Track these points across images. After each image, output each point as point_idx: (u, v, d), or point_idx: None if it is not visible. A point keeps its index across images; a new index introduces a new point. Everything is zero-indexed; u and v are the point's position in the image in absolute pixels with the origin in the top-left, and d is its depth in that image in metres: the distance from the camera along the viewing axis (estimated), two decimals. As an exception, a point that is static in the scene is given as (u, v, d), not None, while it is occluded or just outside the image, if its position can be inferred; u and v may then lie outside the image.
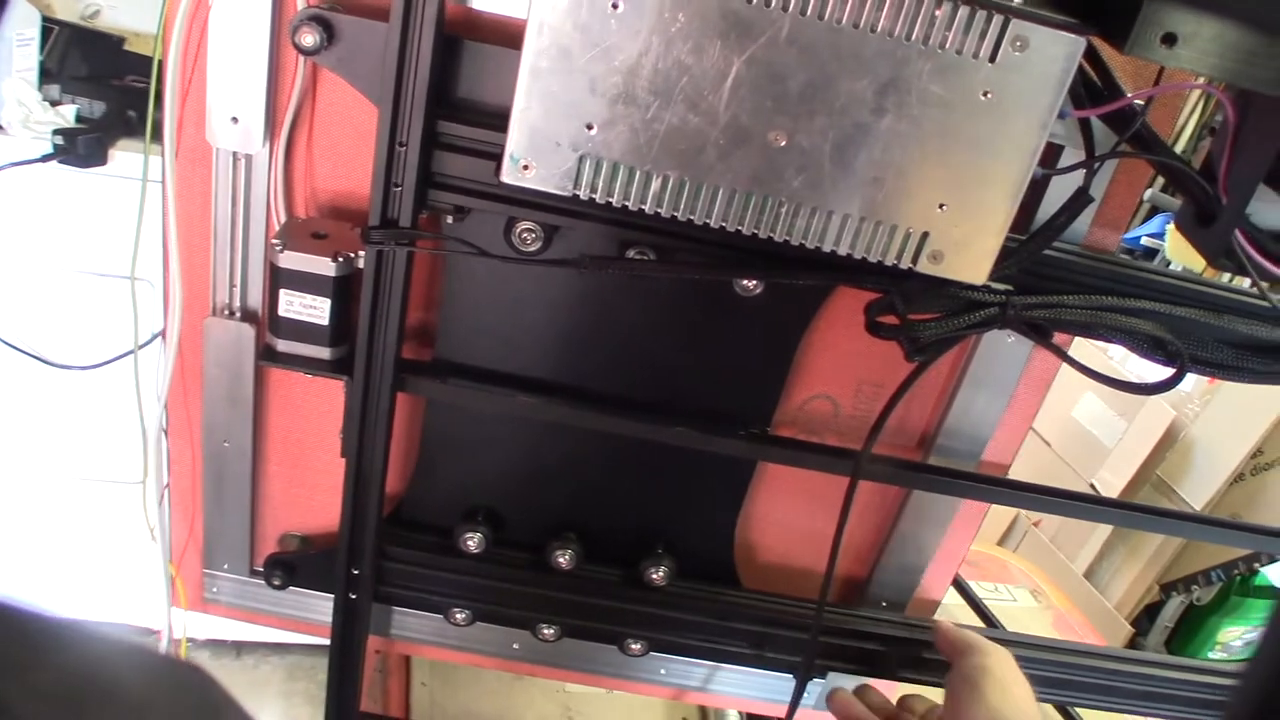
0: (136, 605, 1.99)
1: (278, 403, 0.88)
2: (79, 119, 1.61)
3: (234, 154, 0.78)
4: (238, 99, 0.76)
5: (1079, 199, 0.72)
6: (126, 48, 1.72)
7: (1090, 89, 0.69)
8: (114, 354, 1.72)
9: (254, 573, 0.95)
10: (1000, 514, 2.41)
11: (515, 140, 0.65)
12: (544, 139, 0.64)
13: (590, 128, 0.64)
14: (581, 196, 0.66)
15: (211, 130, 0.76)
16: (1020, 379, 0.87)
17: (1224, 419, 2.08)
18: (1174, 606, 2.19)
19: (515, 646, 0.97)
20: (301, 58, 0.74)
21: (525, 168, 0.65)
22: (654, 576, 0.89)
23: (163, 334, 0.85)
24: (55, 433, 1.80)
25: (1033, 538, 2.39)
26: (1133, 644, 2.23)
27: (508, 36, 0.73)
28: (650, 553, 0.91)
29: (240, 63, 0.74)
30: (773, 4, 0.61)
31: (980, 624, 1.31)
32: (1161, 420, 2.16)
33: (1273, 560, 2.05)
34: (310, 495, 0.92)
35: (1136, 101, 0.69)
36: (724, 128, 0.64)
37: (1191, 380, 2.10)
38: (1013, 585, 1.63)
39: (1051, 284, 0.79)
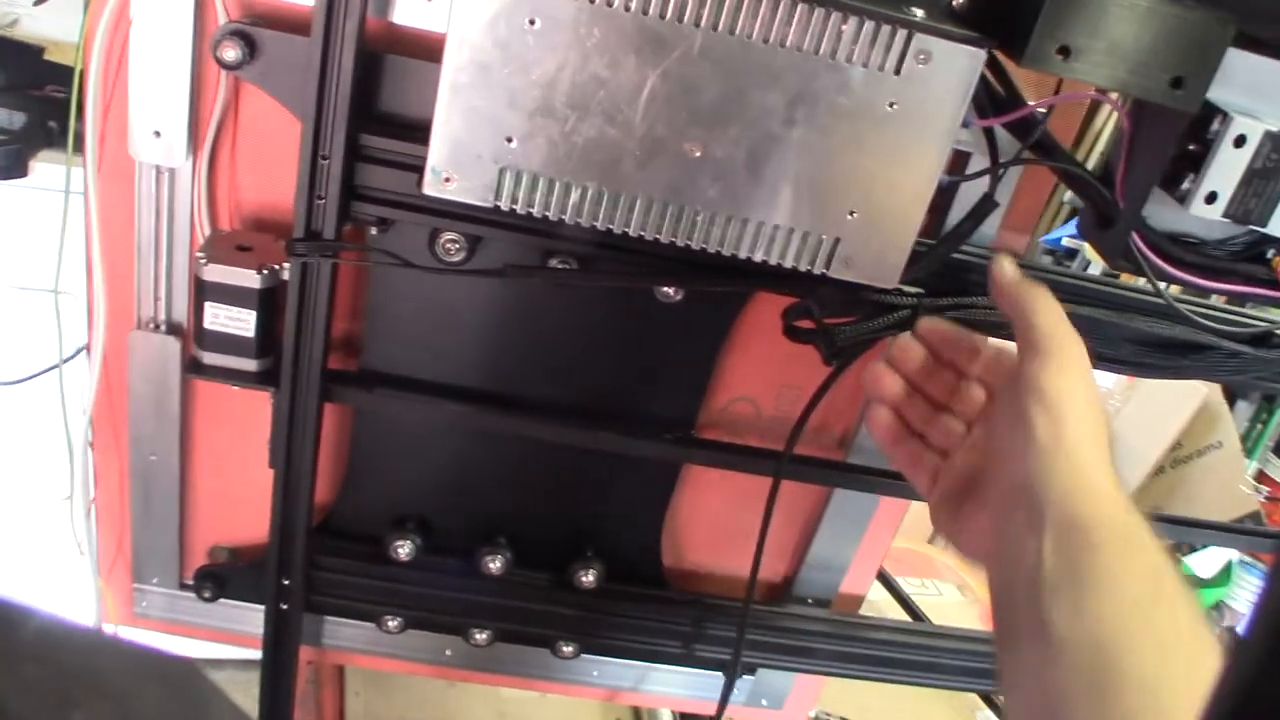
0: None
1: (204, 415, 0.88)
2: (-1, 130, 1.59)
3: (157, 167, 0.78)
4: (160, 113, 0.76)
5: (984, 204, 0.75)
6: (47, 57, 1.69)
7: (994, 98, 0.72)
8: (38, 369, 1.69)
9: (184, 586, 0.94)
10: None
11: (436, 153, 0.66)
12: (465, 152, 0.66)
13: (510, 140, 0.65)
14: (503, 208, 0.67)
15: (134, 144, 0.77)
16: (935, 379, 0.90)
17: (1144, 414, 2.14)
18: (1100, 598, 2.25)
19: (448, 653, 0.98)
20: (224, 71, 0.75)
21: (447, 180, 0.67)
22: (584, 580, 0.91)
23: (88, 348, 0.85)
24: (-21, 449, 1.77)
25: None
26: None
27: (428, 51, 0.74)
28: (580, 556, 0.92)
29: (162, 76, 0.75)
30: (685, 19, 0.62)
31: (907, 619, 1.35)
32: (1085, 416, 2.21)
33: (1194, 550, 2.11)
34: (239, 507, 0.92)
35: (1038, 110, 0.72)
36: (640, 139, 0.65)
37: (1113, 377, 2.15)
38: (940, 580, 1.67)
39: (965, 286, 0.81)
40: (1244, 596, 2.25)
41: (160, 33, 0.73)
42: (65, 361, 1.63)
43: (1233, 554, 2.17)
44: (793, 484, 0.92)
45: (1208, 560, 2.18)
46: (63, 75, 1.70)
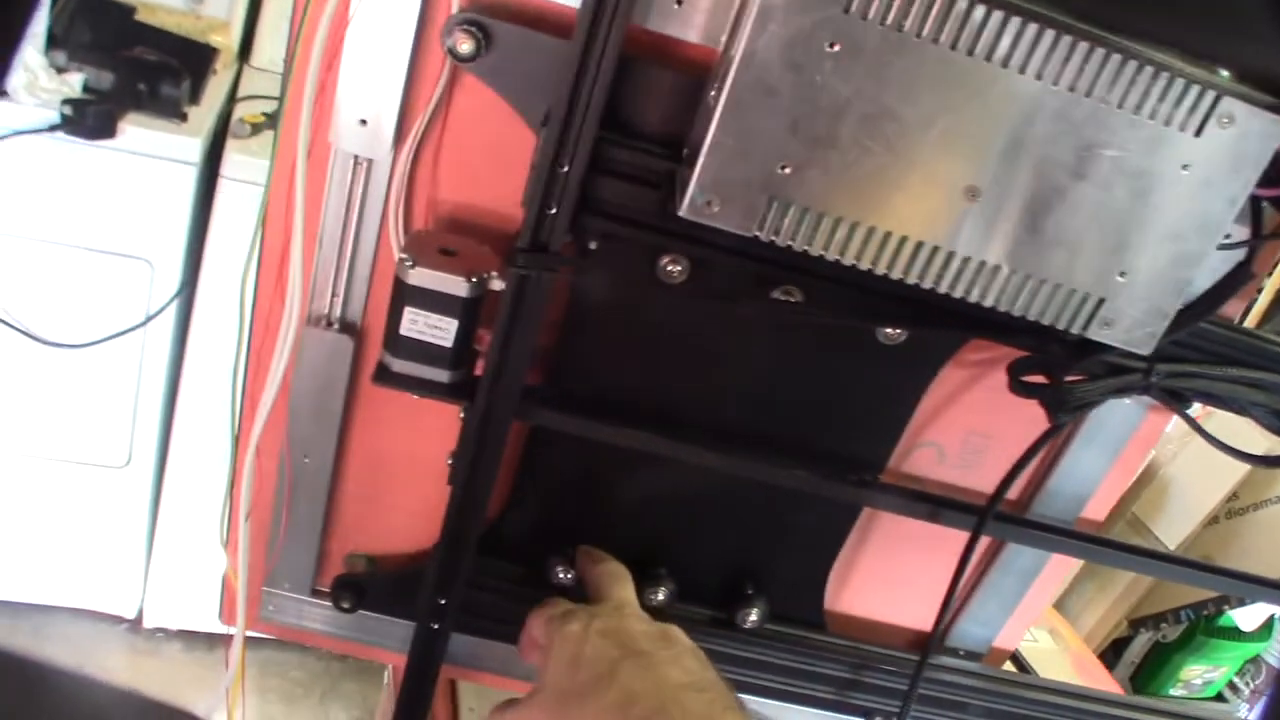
0: (110, 592, 1.91)
1: (364, 420, 0.84)
2: (86, 89, 1.53)
3: (355, 157, 0.74)
4: (370, 101, 0.71)
5: (1239, 275, 0.72)
6: (137, 18, 1.64)
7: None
8: (103, 333, 1.64)
9: (315, 592, 0.90)
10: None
11: (703, 175, 0.62)
12: (734, 176, 0.62)
13: (784, 169, 0.61)
14: (762, 239, 0.63)
15: (337, 132, 0.72)
16: (1129, 440, 0.87)
17: (1201, 461, 2.12)
18: (1141, 643, 2.23)
19: (582, 679, 0.94)
20: (447, 63, 0.70)
21: (709, 204, 0.63)
22: (748, 619, 0.87)
23: (292, 343, 0.80)
24: (42, 411, 1.71)
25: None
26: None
27: (675, 59, 0.70)
28: (740, 593, 0.88)
29: (378, 63, 0.70)
30: (993, 58, 0.59)
31: (1013, 669, 1.32)
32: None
33: (1242, 603, 2.10)
34: (385, 516, 0.88)
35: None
36: (921, 178, 0.62)
37: (1172, 420, 2.13)
38: (1034, 626, 1.64)
39: (1185, 352, 0.78)
40: (1283, 652, 2.24)
41: (383, 16, 0.69)
42: (134, 328, 1.59)
43: (1278, 609, 2.16)
44: (959, 533, 0.88)
45: (1251, 614, 2.17)
46: (153, 36, 1.64)
